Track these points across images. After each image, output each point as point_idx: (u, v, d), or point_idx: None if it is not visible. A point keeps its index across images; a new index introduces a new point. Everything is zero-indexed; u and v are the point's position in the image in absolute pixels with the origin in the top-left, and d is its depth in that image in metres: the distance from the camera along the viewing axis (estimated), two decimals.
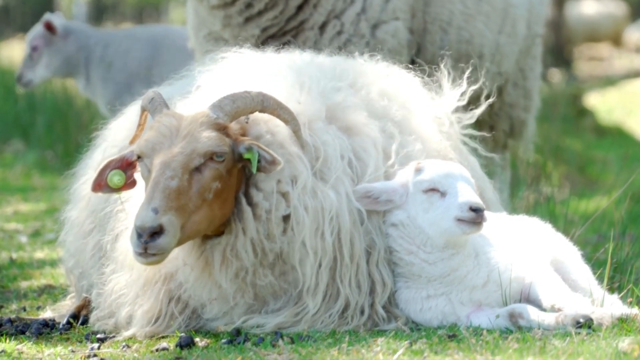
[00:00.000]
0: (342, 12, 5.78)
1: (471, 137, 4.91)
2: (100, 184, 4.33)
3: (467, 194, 4.18)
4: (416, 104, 4.73)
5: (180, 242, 4.15)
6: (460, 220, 4.17)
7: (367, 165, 4.40)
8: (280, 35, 5.78)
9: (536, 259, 4.36)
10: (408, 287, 4.33)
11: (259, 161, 4.18)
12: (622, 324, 4.09)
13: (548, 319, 4.08)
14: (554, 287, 4.22)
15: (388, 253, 4.36)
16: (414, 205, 4.29)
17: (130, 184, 4.36)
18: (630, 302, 4.38)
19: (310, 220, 4.26)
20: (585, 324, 3.99)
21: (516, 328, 4.13)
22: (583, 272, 4.49)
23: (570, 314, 4.03)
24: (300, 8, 5.77)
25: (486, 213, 4.27)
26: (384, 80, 4.73)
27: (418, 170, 4.30)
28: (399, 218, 4.32)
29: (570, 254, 4.54)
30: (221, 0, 5.70)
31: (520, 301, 4.25)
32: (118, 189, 4.36)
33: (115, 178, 4.33)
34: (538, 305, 4.19)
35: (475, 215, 4.15)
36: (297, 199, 4.26)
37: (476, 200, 4.17)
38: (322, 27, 5.79)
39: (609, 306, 4.29)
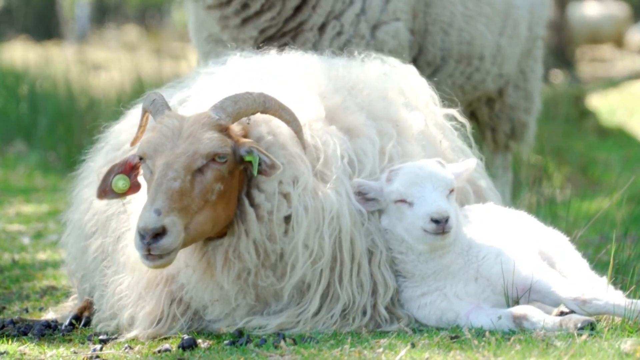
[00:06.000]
0: (342, 13, 5.78)
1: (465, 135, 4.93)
2: (105, 190, 4.34)
3: (428, 203, 4.17)
4: (417, 104, 4.74)
5: (185, 244, 4.15)
6: (425, 231, 4.18)
7: (364, 168, 4.41)
8: (279, 36, 5.78)
9: (529, 252, 4.37)
10: (406, 286, 4.36)
11: (259, 164, 4.19)
12: (625, 324, 4.10)
13: (552, 321, 4.08)
14: (563, 279, 4.23)
15: (390, 253, 4.37)
16: (391, 214, 4.32)
17: (134, 187, 4.36)
18: None
19: (310, 220, 4.26)
20: (587, 327, 4.00)
21: (519, 329, 4.13)
22: (571, 262, 4.48)
23: (574, 318, 4.03)
24: (298, 9, 5.77)
25: (472, 206, 4.34)
26: (384, 80, 4.74)
27: (389, 180, 4.31)
28: (384, 224, 4.36)
29: (557, 244, 4.54)
30: (216, 0, 5.71)
31: (518, 296, 4.25)
32: (123, 194, 4.36)
33: (120, 183, 4.33)
34: (547, 298, 4.19)
35: (436, 227, 4.15)
36: (297, 199, 4.26)
37: (436, 210, 4.14)
38: (322, 28, 5.79)
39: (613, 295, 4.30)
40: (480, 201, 4.74)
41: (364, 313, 4.35)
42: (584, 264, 4.53)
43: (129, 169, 4.35)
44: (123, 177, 4.34)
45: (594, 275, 4.49)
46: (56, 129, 11.94)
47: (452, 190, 4.26)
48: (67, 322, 4.76)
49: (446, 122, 4.84)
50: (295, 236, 4.26)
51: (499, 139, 7.03)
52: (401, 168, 4.32)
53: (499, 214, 4.58)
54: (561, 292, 4.16)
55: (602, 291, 4.23)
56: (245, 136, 4.31)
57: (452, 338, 4.06)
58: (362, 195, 4.35)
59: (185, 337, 4.26)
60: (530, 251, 4.39)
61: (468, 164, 4.43)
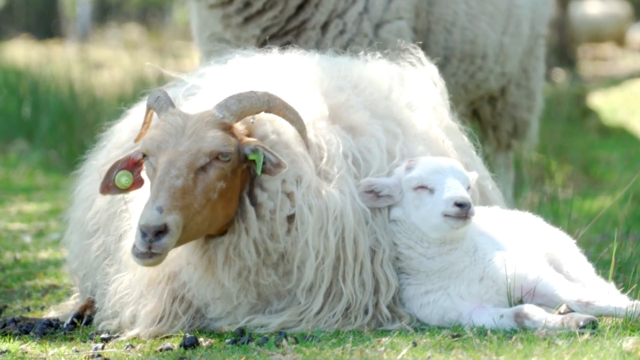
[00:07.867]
0: (344, 11, 5.78)
1: (472, 135, 4.93)
2: (108, 186, 4.34)
3: (452, 189, 4.21)
4: (420, 103, 4.74)
5: (182, 241, 4.15)
6: (446, 215, 4.19)
7: (371, 166, 4.42)
8: (281, 35, 5.78)
9: (535, 255, 4.37)
10: (409, 284, 4.36)
11: (264, 163, 4.19)
12: (626, 323, 4.10)
13: (554, 320, 4.08)
14: (566, 282, 4.23)
15: (393, 252, 4.37)
16: (407, 202, 4.32)
17: (137, 183, 4.37)
18: None
19: (314, 219, 4.26)
20: (589, 325, 4.00)
21: (521, 328, 4.13)
22: (577, 265, 4.49)
23: (576, 317, 4.03)
24: (300, 8, 5.77)
25: (478, 208, 4.31)
26: (387, 79, 4.74)
27: (409, 169, 4.34)
28: (397, 215, 4.37)
29: (563, 246, 4.55)
30: None
31: (522, 298, 4.25)
32: (126, 190, 4.37)
33: (123, 179, 4.34)
34: (551, 301, 4.19)
35: (460, 210, 4.17)
36: (301, 198, 4.26)
37: (461, 194, 4.19)
38: (324, 27, 5.79)
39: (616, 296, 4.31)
40: (484, 200, 4.74)
41: (366, 312, 4.35)
42: (589, 267, 4.53)
43: (132, 165, 4.35)
44: (126, 173, 4.35)
45: (598, 278, 4.49)
46: (58, 128, 11.94)
47: (468, 187, 4.31)
48: (68, 321, 4.76)
49: (452, 124, 4.84)
50: (300, 236, 4.26)
51: (501, 138, 7.03)
52: (421, 158, 4.37)
53: (506, 216, 4.58)
54: (564, 294, 4.17)
55: (604, 293, 4.24)
56: (249, 135, 4.31)
57: (453, 337, 4.06)
58: (375, 194, 4.36)
59: (187, 335, 4.26)
60: (537, 254, 4.40)
61: (471, 175, 4.45)
